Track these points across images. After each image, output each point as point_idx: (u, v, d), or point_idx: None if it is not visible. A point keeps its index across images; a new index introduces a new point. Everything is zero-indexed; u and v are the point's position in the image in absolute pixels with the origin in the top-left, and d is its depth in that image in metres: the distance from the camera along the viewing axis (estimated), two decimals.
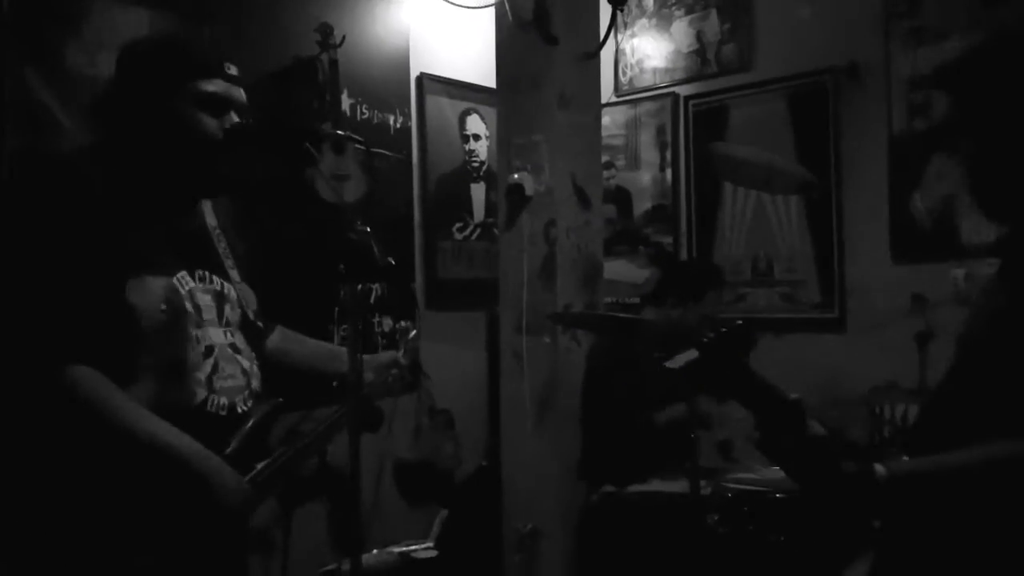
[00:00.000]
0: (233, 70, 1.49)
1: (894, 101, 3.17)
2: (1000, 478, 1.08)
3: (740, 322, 1.19)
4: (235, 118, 1.48)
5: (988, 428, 1.09)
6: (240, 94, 1.50)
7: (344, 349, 1.78)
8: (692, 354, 1.17)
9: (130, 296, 1.37)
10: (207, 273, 1.51)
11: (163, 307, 1.41)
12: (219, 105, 1.46)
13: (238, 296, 1.57)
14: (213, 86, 1.45)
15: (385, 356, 1.88)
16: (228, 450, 1.44)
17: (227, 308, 1.54)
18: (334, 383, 1.69)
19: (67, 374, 1.30)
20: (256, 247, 1.74)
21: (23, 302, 1.31)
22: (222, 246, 1.59)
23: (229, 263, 1.58)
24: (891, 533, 1.25)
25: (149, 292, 1.39)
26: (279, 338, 1.79)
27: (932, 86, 2.99)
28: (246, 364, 1.55)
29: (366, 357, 1.84)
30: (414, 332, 1.99)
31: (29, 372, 1.31)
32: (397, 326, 1.95)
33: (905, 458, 1.20)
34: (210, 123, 1.45)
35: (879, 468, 1.10)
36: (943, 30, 3.03)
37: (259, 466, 1.50)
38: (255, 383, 1.57)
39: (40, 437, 1.34)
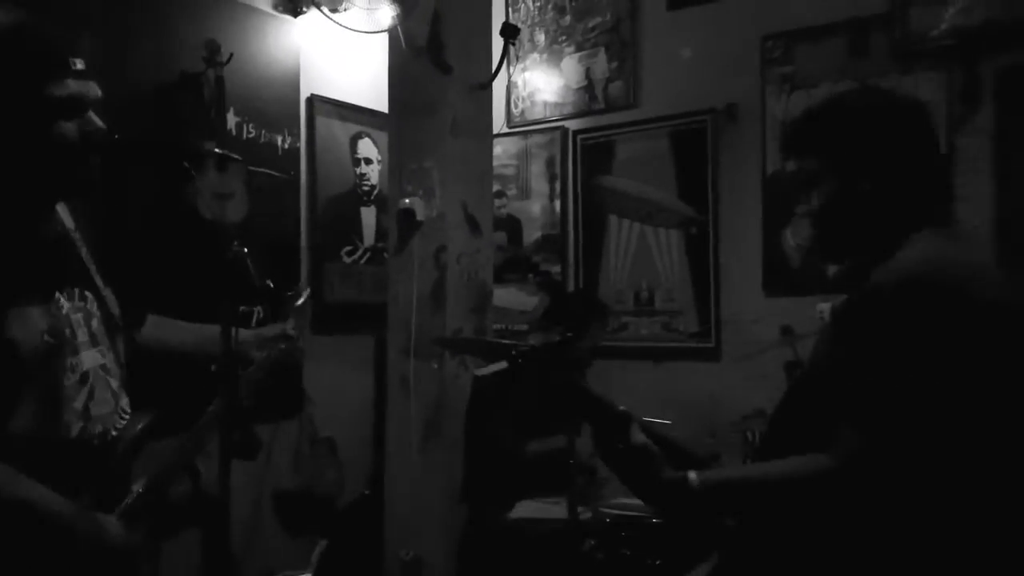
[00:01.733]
0: (80, 64, 1.35)
1: (768, 142, 3.35)
2: (789, 488, 1.19)
3: (558, 339, 1.30)
4: (96, 119, 1.37)
5: (804, 444, 1.19)
6: (93, 89, 1.37)
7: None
8: (500, 365, 1.27)
9: (10, 330, 1.28)
10: (76, 290, 1.43)
11: (46, 337, 1.32)
12: (74, 108, 1.34)
13: (100, 304, 1.48)
14: (62, 89, 1.32)
15: (271, 329, 1.76)
16: (84, 498, 1.35)
17: (94, 323, 1.46)
18: (212, 367, 1.61)
19: None
20: (120, 243, 1.63)
21: None
22: (83, 250, 1.49)
23: (92, 268, 1.49)
24: (731, 539, 1.36)
25: (30, 322, 1.31)
26: (152, 326, 1.70)
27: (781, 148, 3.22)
28: (115, 384, 1.48)
29: (250, 332, 1.74)
30: (304, 297, 1.82)
31: None
32: (287, 294, 1.79)
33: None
34: (67, 128, 1.34)
35: (692, 476, 1.20)
36: (814, 77, 3.24)
37: (134, 491, 1.42)
38: (123, 402, 1.50)
39: None
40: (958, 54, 2.99)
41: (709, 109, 3.48)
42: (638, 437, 1.24)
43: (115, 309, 1.53)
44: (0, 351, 1.27)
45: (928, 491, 1.12)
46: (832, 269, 3.06)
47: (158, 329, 1.72)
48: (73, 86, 1.34)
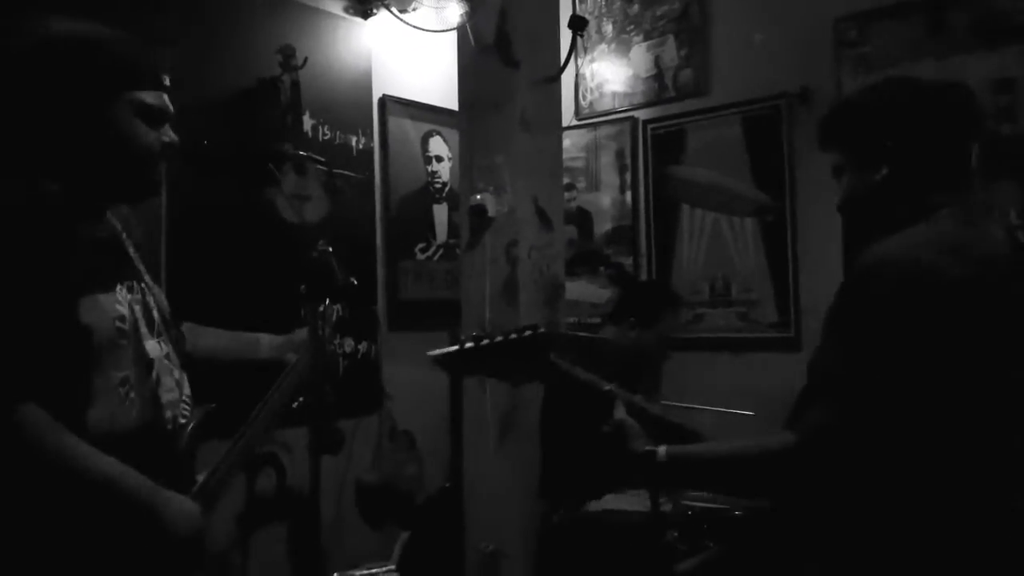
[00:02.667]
0: (167, 81, 1.45)
1: None
2: (750, 463, 1.24)
3: (528, 333, 1.33)
4: (172, 133, 1.44)
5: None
6: (171, 107, 1.46)
7: (261, 335, 1.77)
8: (452, 347, 1.37)
9: (84, 316, 1.32)
10: (134, 282, 1.47)
11: (117, 324, 1.36)
12: (158, 117, 1.42)
13: (157, 301, 1.52)
14: (152, 98, 1.41)
15: (301, 334, 1.80)
16: (159, 483, 1.38)
17: (154, 315, 1.50)
18: (293, 405, 1.66)
19: (14, 415, 1.23)
20: (224, 253, 1.69)
21: None
22: (131, 249, 1.53)
23: (142, 267, 1.53)
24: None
25: (101, 309, 1.35)
26: (187, 333, 1.73)
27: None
28: (177, 374, 1.52)
29: (281, 339, 1.80)
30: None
31: None
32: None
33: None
34: (150, 134, 1.41)
35: (660, 450, 1.29)
36: (891, 58, 3.14)
37: (202, 476, 1.47)
38: (186, 392, 1.53)
39: None
40: None
41: (782, 94, 3.40)
42: (619, 414, 1.36)
43: (166, 306, 1.56)
44: (76, 337, 1.31)
45: (889, 468, 1.14)
46: None
47: (193, 335, 1.75)
48: (161, 98, 1.42)
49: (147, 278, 1.53)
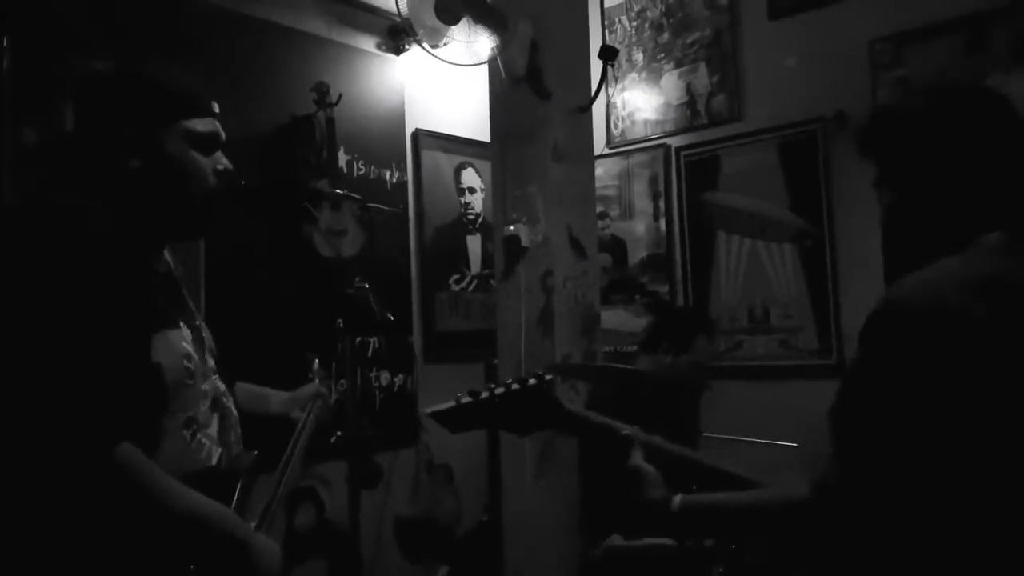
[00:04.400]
0: (216, 108, 1.45)
1: None
2: (763, 516, 1.17)
3: (533, 381, 1.28)
4: (225, 160, 1.44)
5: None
6: (223, 133, 1.46)
7: (270, 390, 1.80)
8: (449, 404, 1.31)
9: (156, 354, 1.31)
10: (192, 320, 1.47)
11: (185, 363, 1.35)
12: (210, 144, 1.42)
13: (208, 339, 1.52)
14: (204, 125, 1.41)
15: (305, 390, 1.85)
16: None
17: (207, 354, 1.49)
18: (332, 439, 1.66)
19: (113, 456, 1.20)
20: (261, 289, 1.70)
21: (61, 383, 1.18)
22: (183, 288, 1.53)
23: (192, 305, 1.53)
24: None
25: (171, 347, 1.34)
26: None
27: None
28: (235, 412, 1.52)
29: (287, 395, 1.84)
30: (315, 365, 1.96)
31: (80, 459, 1.19)
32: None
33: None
34: (204, 162, 1.41)
35: (675, 500, 1.23)
36: (928, 79, 3.09)
37: (254, 523, 1.46)
38: (239, 432, 1.52)
39: (88, 522, 1.25)
40: None
41: (818, 118, 3.37)
42: (635, 460, 1.29)
43: (213, 344, 1.55)
44: (150, 376, 1.30)
45: (905, 526, 1.05)
46: None
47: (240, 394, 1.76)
48: (212, 124, 1.43)
49: (199, 316, 1.53)
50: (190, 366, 1.37)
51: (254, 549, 1.31)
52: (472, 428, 1.33)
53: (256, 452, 1.51)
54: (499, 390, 1.29)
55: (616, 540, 2.54)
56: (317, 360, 1.91)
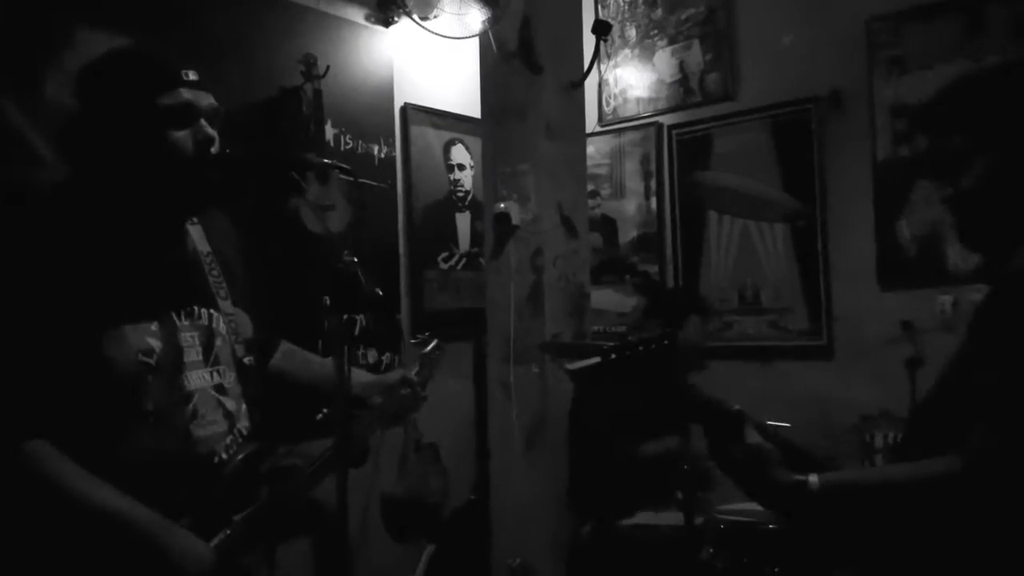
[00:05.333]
0: (192, 75, 1.39)
1: (878, 129, 3.19)
2: (914, 491, 1.11)
3: (665, 342, 1.22)
4: (207, 127, 1.39)
5: (940, 446, 1.10)
6: (207, 99, 1.40)
7: (353, 368, 1.73)
8: (594, 360, 1.22)
9: (108, 350, 1.30)
10: (196, 308, 1.44)
11: (142, 358, 1.33)
12: (185, 116, 1.37)
13: (228, 328, 1.49)
14: (172, 98, 1.36)
15: (393, 376, 1.79)
16: (183, 521, 1.34)
17: (217, 343, 1.46)
18: (317, 416, 1.62)
19: (20, 449, 1.24)
20: (255, 268, 1.67)
21: None
22: (214, 273, 1.51)
23: (222, 292, 1.50)
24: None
25: (127, 343, 1.32)
26: (280, 356, 1.72)
27: (913, 126, 3.04)
28: (231, 405, 1.47)
29: (372, 378, 1.79)
30: (433, 344, 1.90)
31: None
32: (413, 340, 1.90)
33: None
34: (179, 137, 1.36)
35: (813, 479, 1.13)
36: (926, 59, 3.07)
37: (236, 519, 1.41)
38: (241, 424, 1.49)
39: None
40: None
41: (812, 97, 3.34)
42: (753, 437, 1.20)
43: (247, 332, 1.53)
44: (95, 370, 1.29)
45: None
46: (963, 259, 2.89)
47: (286, 360, 1.74)
48: (182, 95, 1.37)
49: (226, 304, 1.50)
50: (149, 360, 1.34)
51: (173, 550, 1.28)
52: (600, 385, 1.25)
53: (258, 444, 1.48)
54: (639, 347, 1.22)
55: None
56: (421, 336, 1.85)
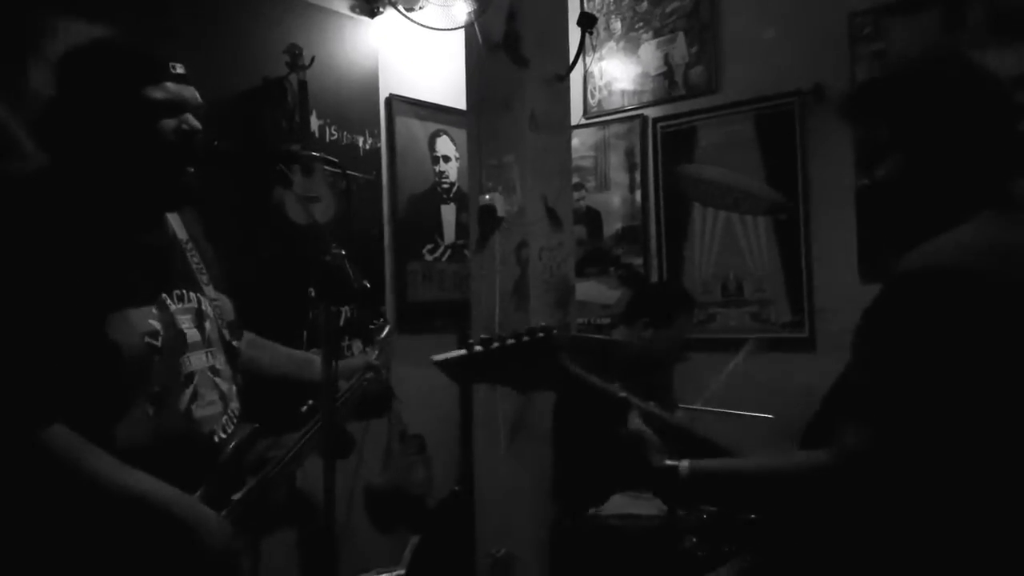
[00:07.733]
0: (179, 69, 1.39)
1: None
2: (780, 484, 1.15)
3: (540, 335, 1.26)
4: (192, 120, 1.39)
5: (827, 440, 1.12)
6: (192, 93, 1.41)
7: (315, 356, 1.75)
8: (459, 352, 1.27)
9: (112, 333, 1.31)
10: (185, 291, 1.46)
11: (148, 340, 1.35)
12: (172, 109, 1.38)
13: (214, 311, 1.51)
14: (160, 91, 1.36)
15: (357, 360, 1.81)
16: (199, 492, 1.38)
17: (207, 325, 1.48)
18: (303, 408, 1.64)
19: (40, 437, 1.24)
20: (230, 256, 1.68)
21: None
22: (195, 259, 1.53)
23: (204, 278, 1.52)
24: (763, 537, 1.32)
25: (132, 325, 1.34)
26: (246, 345, 1.73)
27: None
28: (224, 387, 1.50)
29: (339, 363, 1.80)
30: (388, 328, 1.91)
31: (4, 443, 1.24)
32: (371, 326, 1.89)
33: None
34: (164, 128, 1.37)
35: (683, 464, 1.20)
36: (907, 54, 3.09)
37: (234, 499, 1.44)
38: (233, 405, 1.51)
39: (13, 501, 1.28)
40: None
41: (795, 91, 3.36)
42: (636, 424, 1.27)
43: (230, 315, 1.55)
44: (101, 354, 1.30)
45: (931, 493, 1.04)
46: None
47: (252, 348, 1.74)
48: (170, 89, 1.38)
49: (208, 289, 1.52)
50: (155, 343, 1.36)
51: (195, 526, 1.31)
52: (476, 380, 1.29)
53: (256, 426, 1.51)
54: (509, 340, 1.25)
55: (605, 510, 2.54)
56: (377, 321, 1.87)
